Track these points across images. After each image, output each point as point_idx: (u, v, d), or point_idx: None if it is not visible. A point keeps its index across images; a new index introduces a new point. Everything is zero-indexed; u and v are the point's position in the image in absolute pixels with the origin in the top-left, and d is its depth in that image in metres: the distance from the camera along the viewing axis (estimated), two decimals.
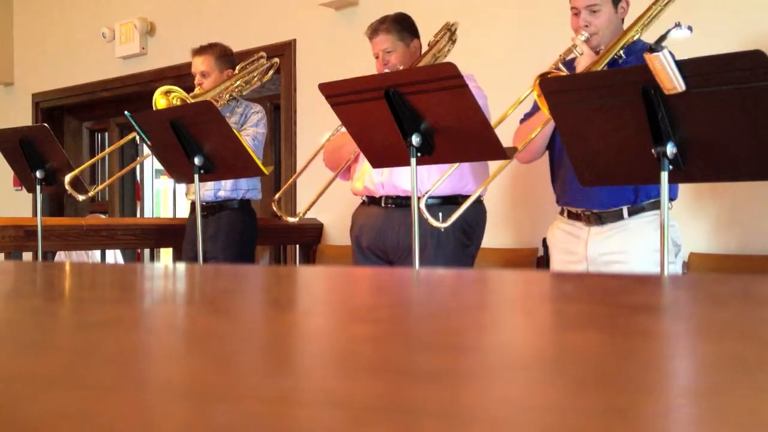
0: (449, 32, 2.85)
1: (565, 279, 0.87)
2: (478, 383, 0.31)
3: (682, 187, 2.65)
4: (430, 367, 0.33)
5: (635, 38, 2.30)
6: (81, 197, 2.95)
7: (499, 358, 0.36)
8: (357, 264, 2.93)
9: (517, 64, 3.44)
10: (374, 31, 2.85)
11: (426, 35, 2.88)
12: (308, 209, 2.94)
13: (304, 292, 0.71)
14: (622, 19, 2.38)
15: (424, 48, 2.86)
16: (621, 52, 2.26)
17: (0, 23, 6.18)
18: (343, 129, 2.81)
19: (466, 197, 2.69)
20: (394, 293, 0.67)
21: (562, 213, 2.46)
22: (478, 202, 2.76)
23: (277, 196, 2.80)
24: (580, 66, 2.26)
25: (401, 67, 2.75)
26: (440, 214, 2.39)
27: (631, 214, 2.30)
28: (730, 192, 2.98)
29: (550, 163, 2.51)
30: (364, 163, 2.82)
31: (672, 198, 2.36)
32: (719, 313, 0.50)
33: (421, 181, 2.40)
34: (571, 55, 2.31)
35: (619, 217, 2.31)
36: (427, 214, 2.20)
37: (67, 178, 2.92)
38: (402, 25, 2.85)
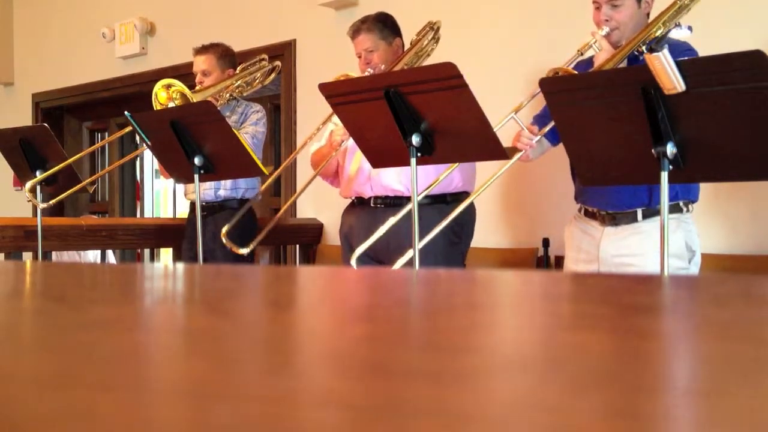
0: (432, 31, 2.85)
1: (565, 279, 0.87)
2: (478, 383, 0.31)
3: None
4: (429, 367, 0.33)
5: (658, 34, 2.22)
6: (42, 205, 2.99)
7: (498, 358, 0.36)
8: (347, 265, 2.93)
9: (512, 64, 3.44)
10: (356, 30, 2.86)
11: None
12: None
13: (304, 292, 0.71)
14: (648, 14, 2.30)
15: (407, 47, 2.87)
16: (643, 47, 2.20)
17: (0, 23, 6.18)
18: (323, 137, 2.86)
19: (453, 195, 2.70)
20: (393, 293, 0.67)
21: (580, 210, 2.44)
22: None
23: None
24: (598, 62, 2.21)
25: (383, 66, 2.76)
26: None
27: (645, 216, 2.27)
28: (747, 192, 2.95)
29: (570, 162, 2.49)
30: (351, 165, 2.83)
31: (693, 200, 2.31)
32: (720, 313, 0.50)
33: (410, 180, 2.41)
34: (591, 52, 2.27)
35: (633, 219, 2.28)
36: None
37: (28, 185, 2.96)
38: (384, 24, 2.86)
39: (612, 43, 2.24)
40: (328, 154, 2.78)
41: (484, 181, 2.39)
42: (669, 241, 2.19)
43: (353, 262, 2.40)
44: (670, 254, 2.15)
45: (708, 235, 2.94)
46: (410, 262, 2.16)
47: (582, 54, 2.23)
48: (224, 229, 2.72)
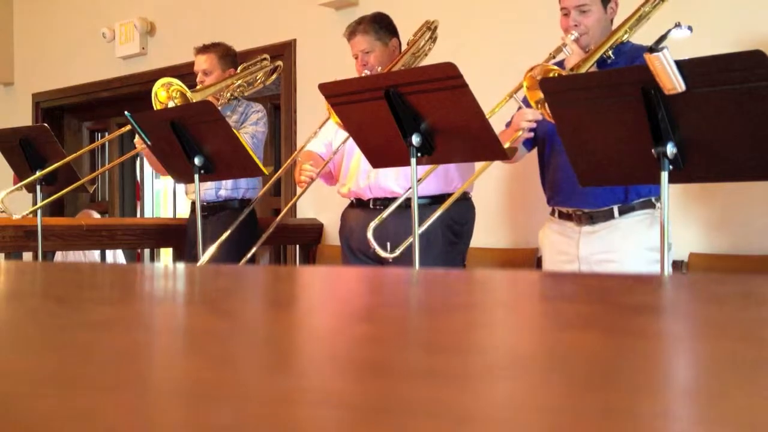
0: (429, 31, 2.85)
1: (563, 279, 0.86)
2: (477, 383, 0.31)
3: (678, 188, 2.66)
4: (429, 367, 0.33)
5: (624, 38, 2.32)
6: (15, 216, 2.99)
7: (497, 358, 0.36)
8: (346, 265, 2.94)
9: (511, 64, 3.44)
10: (352, 32, 2.86)
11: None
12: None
13: (304, 292, 0.71)
14: (612, 20, 2.40)
15: (405, 47, 2.87)
16: (610, 52, 2.28)
17: (0, 23, 6.18)
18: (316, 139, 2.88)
19: (452, 195, 2.71)
20: (393, 293, 0.67)
21: (552, 213, 2.48)
22: (466, 199, 2.77)
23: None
24: (569, 65, 2.28)
25: (380, 68, 2.76)
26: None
27: (621, 213, 2.33)
28: (723, 193, 2.98)
29: (540, 165, 2.53)
30: (350, 167, 2.84)
31: (657, 197, 2.37)
32: (719, 313, 0.50)
33: (407, 180, 2.41)
34: (561, 55, 2.33)
35: (610, 216, 2.33)
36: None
37: (2, 194, 2.94)
38: (380, 25, 2.86)
39: (581, 47, 2.33)
40: (304, 184, 2.81)
41: (483, 179, 2.40)
42: (646, 236, 2.26)
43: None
44: (648, 247, 2.22)
45: (689, 234, 2.96)
46: (410, 262, 2.16)
47: (554, 57, 2.30)
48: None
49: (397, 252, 2.23)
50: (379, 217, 2.31)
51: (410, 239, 2.17)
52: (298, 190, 2.92)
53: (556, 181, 2.41)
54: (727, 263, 2.90)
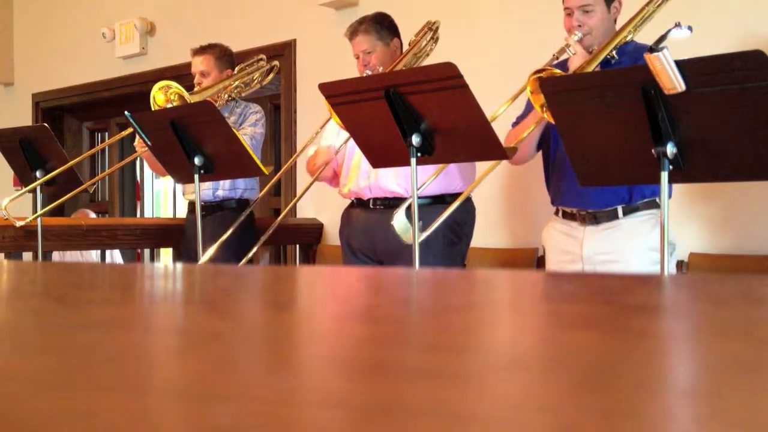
0: (431, 31, 2.85)
1: (563, 279, 0.86)
2: (477, 383, 0.31)
3: (678, 189, 2.66)
4: (429, 367, 0.33)
5: (628, 38, 2.31)
6: (18, 223, 2.99)
7: (498, 358, 0.36)
8: (347, 265, 2.94)
9: (512, 64, 3.44)
10: (353, 32, 2.86)
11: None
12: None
13: (304, 292, 0.71)
14: (615, 20, 2.40)
15: (406, 47, 2.87)
16: (614, 52, 2.28)
17: (0, 23, 6.18)
18: (322, 143, 2.89)
19: (453, 195, 2.71)
20: (393, 293, 0.67)
21: (557, 213, 2.48)
22: (467, 200, 2.77)
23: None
24: (573, 66, 2.27)
25: (381, 68, 2.76)
26: (421, 222, 2.33)
27: (625, 213, 2.33)
28: (724, 193, 2.98)
29: (544, 165, 2.53)
30: (350, 167, 2.85)
31: (668, 196, 2.38)
32: (719, 312, 0.50)
33: (407, 181, 2.41)
34: (564, 56, 2.32)
35: (614, 216, 2.33)
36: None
37: (5, 201, 2.92)
38: (381, 25, 2.85)
39: (585, 47, 2.32)
40: (320, 166, 2.81)
41: (482, 178, 2.40)
42: (650, 237, 2.26)
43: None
44: (652, 248, 2.22)
45: (689, 235, 2.96)
46: (410, 262, 2.16)
47: (557, 58, 2.29)
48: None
49: (424, 235, 2.19)
50: (403, 205, 2.25)
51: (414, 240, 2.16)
52: (299, 190, 2.92)
53: (560, 182, 2.41)
54: (728, 263, 2.90)
